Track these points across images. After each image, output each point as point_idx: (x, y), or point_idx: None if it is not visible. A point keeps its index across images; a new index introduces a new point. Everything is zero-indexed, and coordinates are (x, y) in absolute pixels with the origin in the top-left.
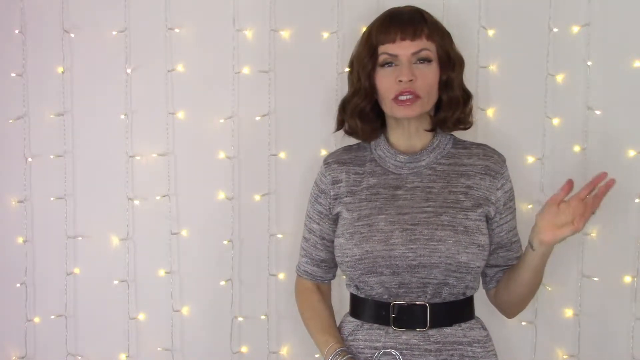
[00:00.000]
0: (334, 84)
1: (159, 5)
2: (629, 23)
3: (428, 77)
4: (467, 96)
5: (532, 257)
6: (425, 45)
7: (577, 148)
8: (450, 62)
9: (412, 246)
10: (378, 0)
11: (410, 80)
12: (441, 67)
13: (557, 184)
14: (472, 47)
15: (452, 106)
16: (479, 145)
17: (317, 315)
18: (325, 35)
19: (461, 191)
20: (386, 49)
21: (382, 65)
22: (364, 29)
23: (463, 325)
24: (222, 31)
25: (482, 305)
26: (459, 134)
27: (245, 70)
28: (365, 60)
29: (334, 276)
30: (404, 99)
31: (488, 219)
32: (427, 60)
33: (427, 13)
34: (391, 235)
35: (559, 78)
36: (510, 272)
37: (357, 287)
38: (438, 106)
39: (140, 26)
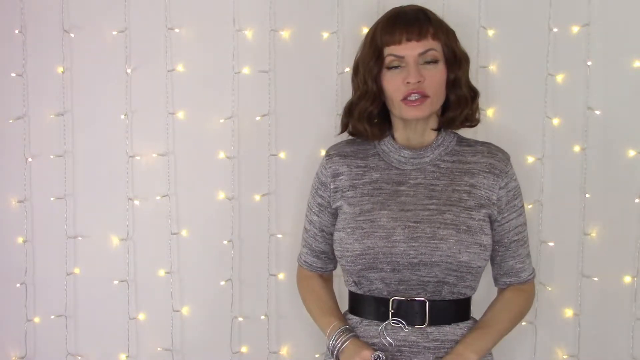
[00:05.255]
0: (334, 84)
1: (159, 5)
2: (629, 23)
3: (436, 77)
4: (474, 93)
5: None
6: (431, 45)
7: (577, 148)
8: (456, 60)
9: (413, 244)
10: (378, 0)
11: (419, 82)
12: (448, 66)
13: (557, 184)
14: (472, 47)
15: (460, 105)
16: (483, 143)
17: (318, 298)
18: (325, 35)
19: (465, 190)
20: (392, 51)
21: (389, 67)
22: (365, 29)
23: (461, 324)
24: (222, 31)
25: (481, 306)
26: (462, 132)
27: (245, 70)
28: (371, 64)
29: (335, 267)
30: (413, 99)
31: (492, 220)
32: (433, 61)
33: (430, 12)
34: (393, 232)
35: (559, 78)
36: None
37: (355, 283)
38: (444, 105)
39: (140, 26)
